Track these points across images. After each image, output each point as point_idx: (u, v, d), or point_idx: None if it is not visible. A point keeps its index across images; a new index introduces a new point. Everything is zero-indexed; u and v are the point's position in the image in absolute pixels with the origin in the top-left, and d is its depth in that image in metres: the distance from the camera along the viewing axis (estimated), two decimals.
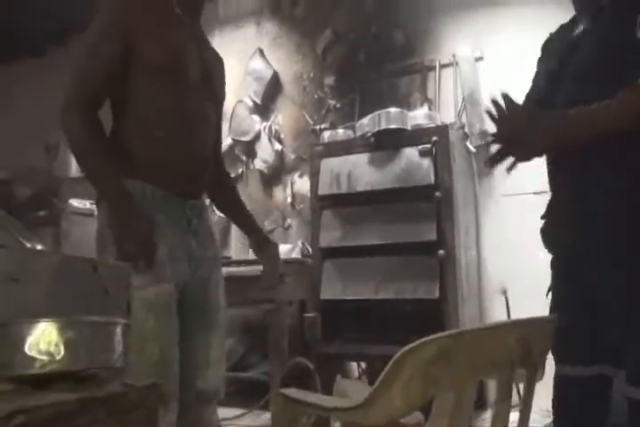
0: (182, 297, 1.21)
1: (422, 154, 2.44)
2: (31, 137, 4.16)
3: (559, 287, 1.29)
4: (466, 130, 2.75)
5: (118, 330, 0.78)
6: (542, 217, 1.32)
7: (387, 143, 2.52)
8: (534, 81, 1.36)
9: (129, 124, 1.23)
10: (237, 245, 3.23)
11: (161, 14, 1.25)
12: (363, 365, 2.79)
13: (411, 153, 2.46)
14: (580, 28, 1.27)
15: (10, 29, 3.85)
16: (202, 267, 1.26)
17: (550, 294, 1.31)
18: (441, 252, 2.33)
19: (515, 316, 2.48)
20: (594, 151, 1.15)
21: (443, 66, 2.90)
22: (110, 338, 0.76)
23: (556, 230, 1.28)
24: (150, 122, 1.21)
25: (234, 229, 3.25)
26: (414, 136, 2.49)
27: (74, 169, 3.93)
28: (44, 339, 0.68)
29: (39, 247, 1.06)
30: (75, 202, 3.44)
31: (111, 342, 0.77)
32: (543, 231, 1.31)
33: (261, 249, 1.44)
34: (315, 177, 2.64)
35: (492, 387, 1.68)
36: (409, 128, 2.52)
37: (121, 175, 1.18)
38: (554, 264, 1.31)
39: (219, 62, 1.41)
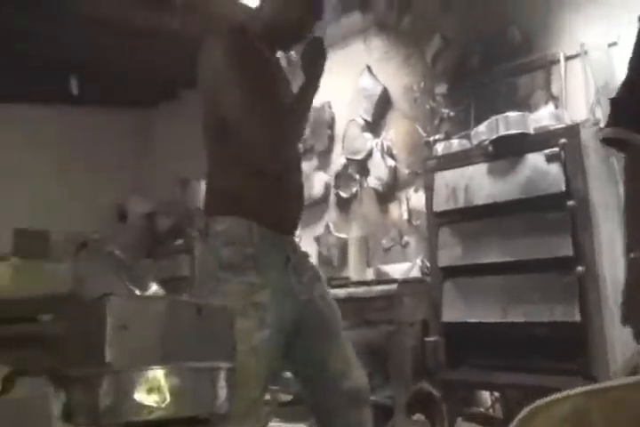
0: (297, 325, 1.24)
1: (549, 159, 2.19)
2: (167, 173, 4.57)
3: None
4: (602, 126, 2.43)
5: (222, 375, 0.78)
6: None
7: (507, 151, 2.30)
8: None
9: (232, 163, 1.24)
10: (356, 266, 3.18)
11: (253, 52, 1.27)
12: (495, 392, 2.55)
13: (536, 159, 2.23)
14: None
15: (149, 77, 4.30)
16: (301, 295, 1.26)
17: None
18: (579, 268, 2.05)
19: None
20: None
21: (568, 58, 2.61)
22: (214, 384, 0.77)
23: None
24: (254, 161, 1.22)
25: (352, 248, 3.22)
26: (539, 140, 2.25)
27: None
28: (151, 386, 0.69)
29: (153, 288, 1.10)
30: None
31: (215, 388, 0.77)
32: None
33: None
34: (429, 193, 2.50)
35: None
36: (531, 132, 2.29)
37: (225, 213, 1.21)
38: None
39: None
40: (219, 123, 1.24)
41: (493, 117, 2.37)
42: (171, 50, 3.76)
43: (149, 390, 0.70)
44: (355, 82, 3.40)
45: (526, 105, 2.64)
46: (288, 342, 1.23)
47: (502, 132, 2.31)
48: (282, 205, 1.26)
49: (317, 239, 3.46)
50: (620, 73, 2.49)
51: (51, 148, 4.45)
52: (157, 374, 0.71)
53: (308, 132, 3.30)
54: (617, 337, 2.11)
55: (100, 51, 3.78)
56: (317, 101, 3.34)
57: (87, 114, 4.54)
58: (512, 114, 2.34)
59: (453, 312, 2.33)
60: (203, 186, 4.51)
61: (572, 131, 2.19)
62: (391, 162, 3.23)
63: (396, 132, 3.26)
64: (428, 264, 2.68)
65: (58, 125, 4.48)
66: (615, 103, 1.26)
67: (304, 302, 1.26)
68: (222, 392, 0.78)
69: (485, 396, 2.64)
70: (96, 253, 1.26)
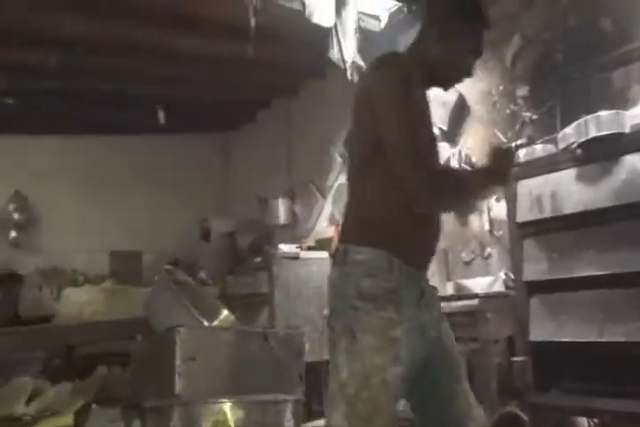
0: (426, 362, 1.25)
1: None
2: (246, 192, 4.70)
3: None
4: None
5: (288, 408, 0.78)
6: None
7: (599, 154, 2.12)
8: None
9: (382, 197, 1.24)
10: (435, 280, 3.06)
11: (418, 85, 1.32)
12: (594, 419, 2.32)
13: (633, 161, 2.04)
14: None
15: (230, 102, 4.46)
16: (431, 331, 1.26)
17: None
18: None
19: None
20: None
21: None
22: (280, 417, 0.77)
23: None
24: (404, 197, 1.22)
25: (434, 262, 3.10)
26: (636, 140, 2.05)
27: (282, 217, 4.27)
28: (217, 419, 0.70)
29: (223, 314, 1.12)
30: (284, 247, 3.68)
31: (281, 421, 0.77)
32: None
33: None
34: (511, 203, 2.36)
35: None
36: (627, 131, 2.09)
37: (368, 245, 1.21)
38: None
39: None
40: (374, 150, 1.23)
41: (582, 118, 2.19)
42: (247, 75, 3.88)
43: (216, 424, 0.70)
44: (428, 90, 3.30)
45: (621, 102, 2.42)
46: (415, 377, 1.23)
47: (593, 133, 2.13)
48: (422, 242, 1.27)
49: None
50: None
51: (140, 172, 4.75)
52: (224, 407, 0.72)
53: None
54: None
55: (185, 83, 3.97)
56: None
57: (173, 140, 4.82)
58: (604, 113, 2.15)
59: (542, 330, 2.16)
60: (280, 204, 4.58)
61: None
62: None
63: (474, 139, 3.12)
64: (512, 275, 2.52)
65: (148, 152, 4.78)
66: None
67: (433, 339, 1.26)
68: (289, 425, 0.77)
69: (582, 421, 2.42)
70: (169, 282, 1.30)
